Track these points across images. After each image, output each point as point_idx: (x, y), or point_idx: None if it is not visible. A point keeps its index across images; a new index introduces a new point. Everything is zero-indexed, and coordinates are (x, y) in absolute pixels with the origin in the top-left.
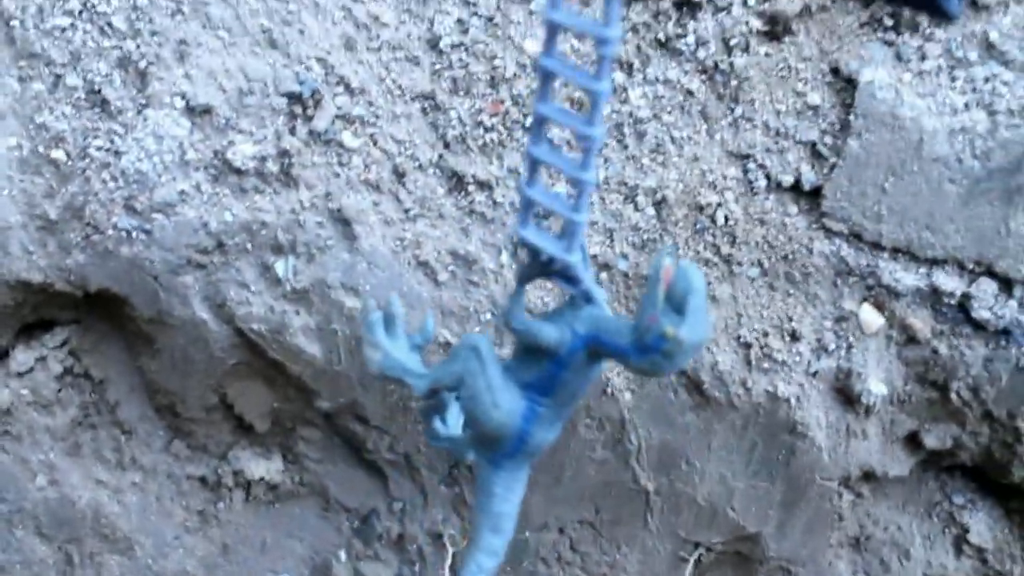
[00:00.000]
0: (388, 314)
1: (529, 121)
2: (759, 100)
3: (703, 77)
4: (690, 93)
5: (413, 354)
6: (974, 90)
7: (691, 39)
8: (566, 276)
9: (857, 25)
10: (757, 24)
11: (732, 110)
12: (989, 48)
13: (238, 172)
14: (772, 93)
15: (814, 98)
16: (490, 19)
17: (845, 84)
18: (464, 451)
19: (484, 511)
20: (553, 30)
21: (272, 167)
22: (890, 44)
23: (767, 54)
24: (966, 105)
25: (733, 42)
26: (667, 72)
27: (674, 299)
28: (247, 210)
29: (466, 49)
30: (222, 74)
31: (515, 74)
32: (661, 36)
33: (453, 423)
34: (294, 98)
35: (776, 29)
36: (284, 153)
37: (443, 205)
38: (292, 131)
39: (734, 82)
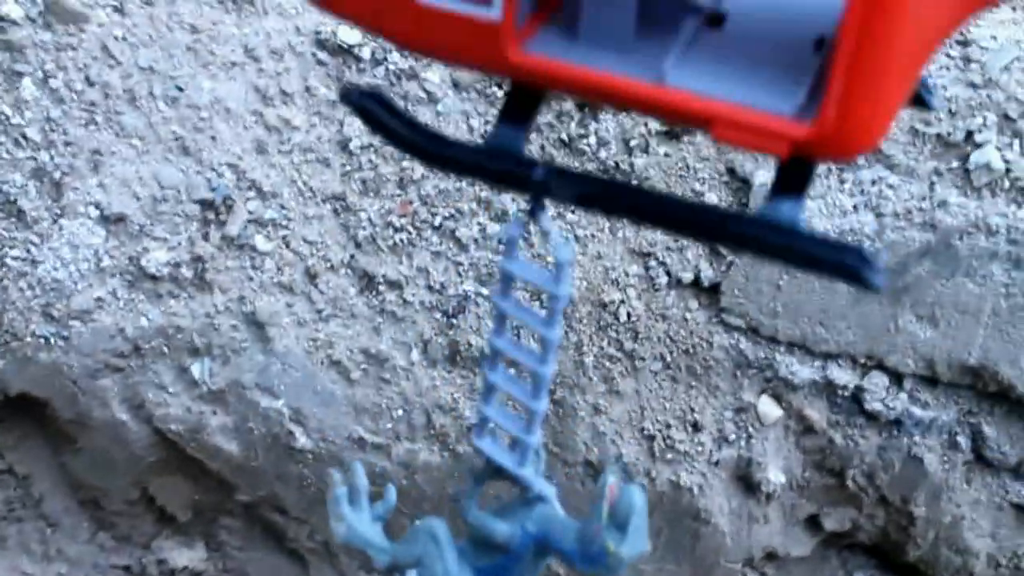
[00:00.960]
0: (352, 486)
1: (438, 221)
2: None
3: (605, 176)
4: None
5: (375, 525)
6: (862, 192)
7: (593, 140)
8: (518, 483)
9: None
10: (656, 125)
11: None
12: (875, 152)
13: (153, 278)
14: (671, 192)
15: (711, 198)
16: None
17: (741, 184)
18: None
19: None
20: (509, 278)
21: (186, 272)
22: None
23: (666, 154)
24: (855, 207)
25: (633, 143)
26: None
27: (617, 517)
28: (163, 315)
29: (375, 150)
30: (136, 182)
31: (423, 175)
32: (564, 136)
33: None
34: (207, 204)
35: (675, 130)
36: (198, 259)
37: (355, 305)
38: (205, 236)
39: (635, 181)
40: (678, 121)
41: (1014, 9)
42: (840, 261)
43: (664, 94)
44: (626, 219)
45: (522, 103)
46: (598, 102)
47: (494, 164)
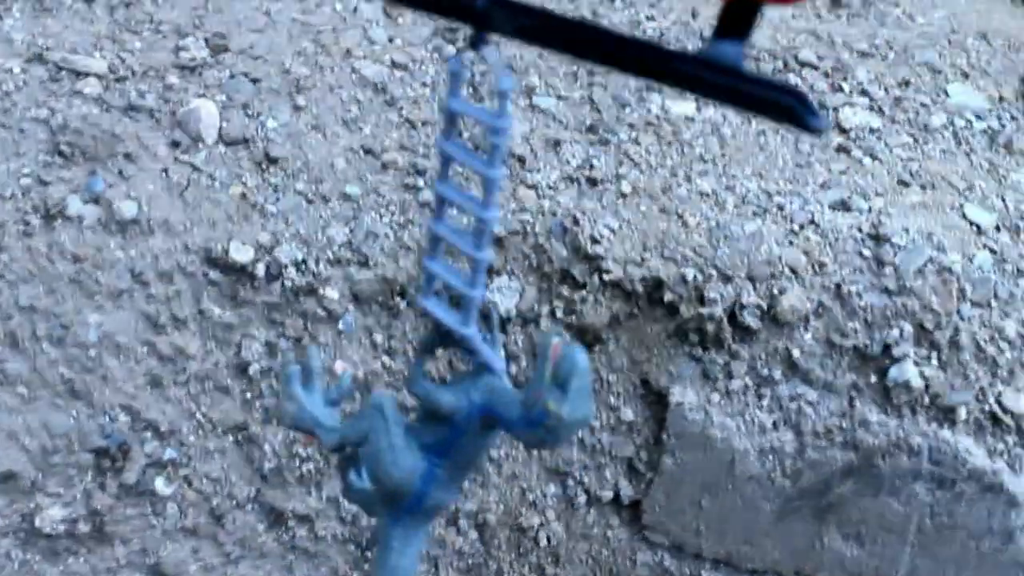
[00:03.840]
0: (306, 368)
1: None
2: None
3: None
4: None
5: (328, 408)
6: (781, 408)
7: (501, 354)
8: (465, 347)
9: (665, 336)
10: (567, 335)
11: None
12: (792, 366)
13: (48, 537)
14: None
15: (627, 414)
16: (298, 340)
17: (656, 399)
18: (374, 508)
19: (382, 565)
20: (452, 118)
21: (83, 527)
22: (697, 360)
23: None
24: (774, 424)
25: None
26: None
27: (558, 379)
28: (61, 574)
29: (276, 375)
30: (24, 433)
31: None
32: None
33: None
34: (101, 452)
35: (586, 339)
36: (95, 512)
37: (264, 543)
38: (102, 487)
39: None
40: None
41: (923, 188)
42: (779, 101)
43: None
44: (567, 55)
45: None
46: None
47: None
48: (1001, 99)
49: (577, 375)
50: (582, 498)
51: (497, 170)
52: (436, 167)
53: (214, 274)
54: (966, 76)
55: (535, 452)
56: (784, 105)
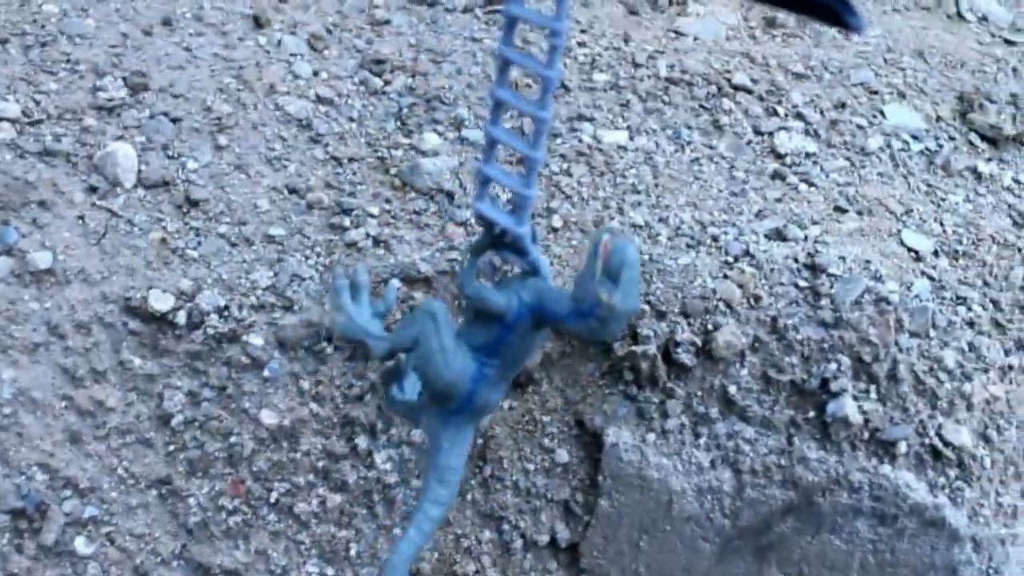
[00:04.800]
0: (354, 282)
1: (274, 497)
2: (508, 458)
3: None
4: None
5: (375, 320)
6: (718, 447)
7: None
8: (515, 248)
9: (599, 374)
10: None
11: (481, 469)
12: (729, 404)
13: None
14: (520, 450)
15: (562, 455)
16: (222, 389)
17: (591, 439)
18: (418, 416)
19: (433, 464)
20: (511, 22)
21: None
22: (632, 399)
23: (511, 407)
24: (712, 463)
25: None
26: (411, 433)
27: (610, 271)
28: None
29: (200, 426)
30: None
31: (254, 450)
32: None
33: (410, 390)
34: (18, 514)
35: (519, 379)
36: None
37: None
38: (19, 549)
39: (480, 440)
40: None
41: (860, 214)
42: (820, 1)
43: None
44: None
45: None
46: None
47: None
48: (938, 119)
49: (628, 267)
50: (518, 543)
51: (555, 70)
52: (494, 71)
53: (134, 324)
54: (903, 96)
55: (470, 496)
56: (824, 4)
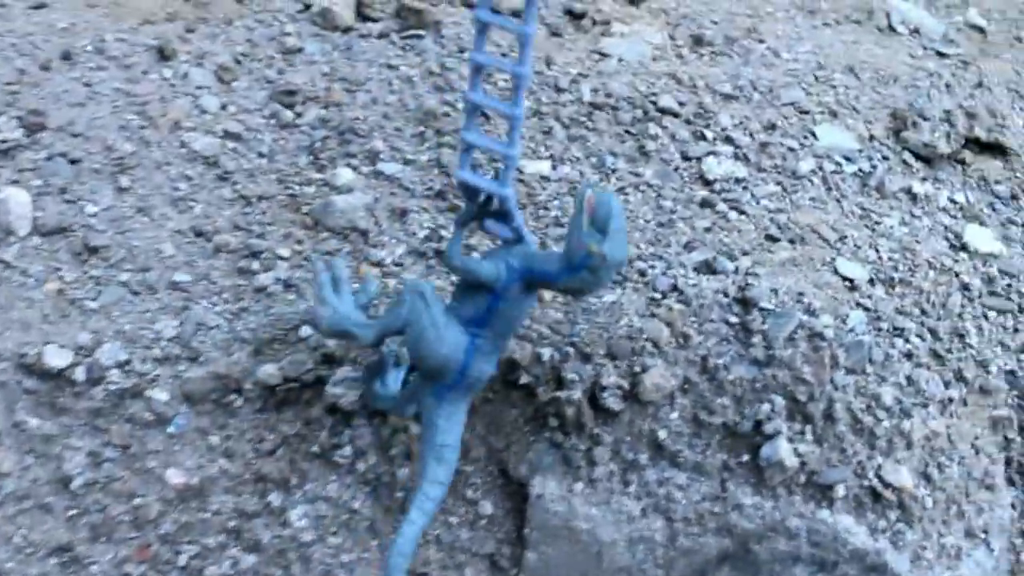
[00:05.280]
0: (334, 276)
1: (183, 561)
2: None
3: (367, 491)
4: (354, 511)
5: (358, 311)
6: (649, 495)
7: (348, 450)
8: (501, 214)
9: (522, 422)
10: (415, 428)
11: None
12: (658, 449)
13: None
14: (443, 504)
15: (486, 507)
16: (125, 448)
17: (517, 489)
18: (402, 407)
19: (429, 444)
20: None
21: None
22: (557, 446)
23: None
24: (643, 511)
25: (394, 451)
26: (327, 488)
27: (597, 223)
28: None
29: (102, 488)
30: None
31: (160, 511)
32: (316, 448)
33: (392, 383)
34: None
35: None
36: None
37: None
38: None
39: (399, 494)
40: None
41: (792, 243)
42: None
43: None
44: None
45: None
46: None
47: None
48: (871, 138)
49: (615, 217)
50: None
51: (531, 26)
52: (472, 35)
53: (29, 382)
54: (834, 115)
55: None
56: None
